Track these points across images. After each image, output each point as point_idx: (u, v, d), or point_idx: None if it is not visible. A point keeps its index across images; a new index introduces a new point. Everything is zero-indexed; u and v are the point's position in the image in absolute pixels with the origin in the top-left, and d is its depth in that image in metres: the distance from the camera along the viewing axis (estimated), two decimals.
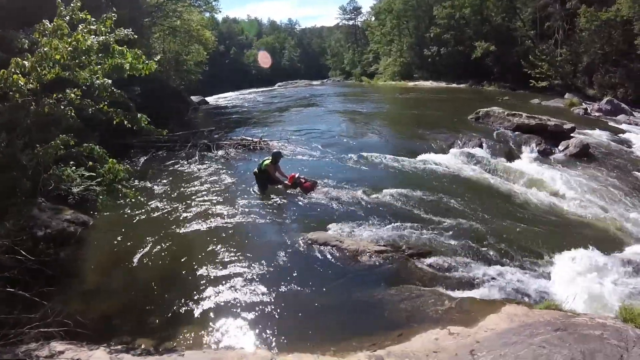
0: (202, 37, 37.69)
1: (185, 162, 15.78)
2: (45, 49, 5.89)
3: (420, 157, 15.41)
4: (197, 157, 16.13)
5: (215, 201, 11.46)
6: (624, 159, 15.95)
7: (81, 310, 6.71)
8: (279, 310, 6.82)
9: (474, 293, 7.22)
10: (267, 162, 12.01)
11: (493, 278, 7.64)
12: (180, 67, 36.17)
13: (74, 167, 8.02)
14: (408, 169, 14.21)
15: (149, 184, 13.06)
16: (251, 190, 12.28)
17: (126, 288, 7.72)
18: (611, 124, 23.24)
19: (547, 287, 7.50)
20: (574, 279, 7.62)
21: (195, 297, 7.15)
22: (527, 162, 15.62)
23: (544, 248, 8.85)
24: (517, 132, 18.56)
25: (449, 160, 15.16)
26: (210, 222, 10.14)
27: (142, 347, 6.04)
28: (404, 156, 15.38)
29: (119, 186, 7.21)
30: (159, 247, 8.93)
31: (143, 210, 10.89)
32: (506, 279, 7.64)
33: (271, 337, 6.20)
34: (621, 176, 13.84)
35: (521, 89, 38.92)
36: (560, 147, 16.86)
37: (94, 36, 6.26)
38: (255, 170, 12.16)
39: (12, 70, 5.74)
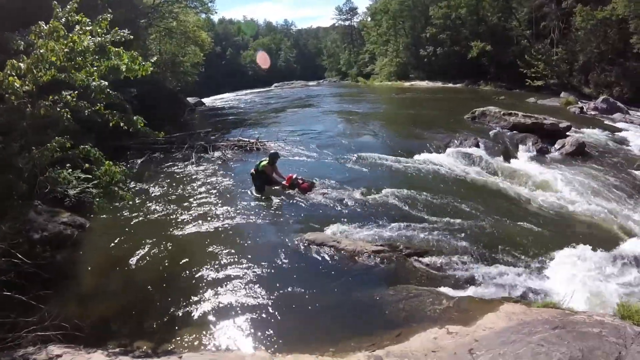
0: (198, 39, 37.66)
1: (182, 164, 15.76)
2: (41, 51, 5.87)
3: (417, 157, 15.43)
4: (193, 159, 16.11)
5: (212, 203, 11.45)
6: (620, 157, 15.97)
7: (78, 313, 6.70)
8: (277, 311, 6.80)
9: (472, 292, 7.22)
10: (264, 163, 12.01)
11: (491, 277, 7.65)
12: (177, 68, 36.08)
13: (70, 170, 8.01)
14: (405, 169, 14.20)
15: (145, 186, 13.04)
16: (248, 191, 12.27)
17: (123, 291, 7.70)
18: (607, 122, 23.27)
19: (544, 286, 7.51)
20: (572, 277, 7.62)
21: (193, 299, 7.13)
22: (523, 161, 15.65)
23: (541, 246, 8.86)
24: (513, 131, 18.64)
25: (446, 160, 15.18)
26: (208, 223, 10.12)
27: (140, 349, 6.02)
28: (401, 156, 15.40)
29: (116, 188, 7.18)
30: (156, 249, 8.90)
31: (140, 213, 10.87)
32: (504, 277, 7.64)
33: (270, 338, 6.18)
34: (617, 174, 13.85)
35: (517, 89, 39.00)
36: (557, 146, 16.88)
37: (90, 37, 6.24)
38: (252, 171, 12.15)
39: (8, 72, 5.71)
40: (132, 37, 7.02)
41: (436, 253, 8.43)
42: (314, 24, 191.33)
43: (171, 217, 10.63)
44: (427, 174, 13.65)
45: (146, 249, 8.87)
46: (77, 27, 6.28)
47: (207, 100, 49.85)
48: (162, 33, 33.38)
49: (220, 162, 15.92)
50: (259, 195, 11.92)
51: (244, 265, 8.11)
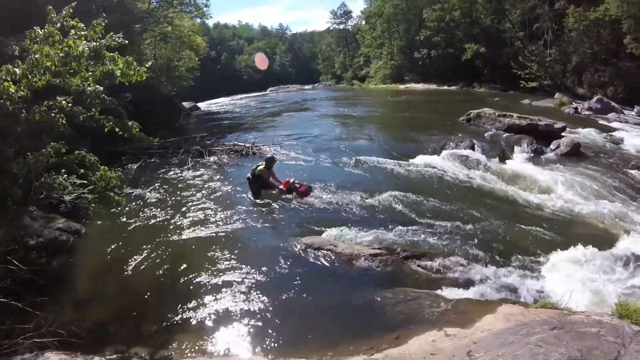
0: (193, 43, 37.60)
1: (178, 169, 15.73)
2: (36, 56, 5.85)
3: (412, 160, 15.43)
4: (189, 164, 16.09)
5: (208, 207, 11.42)
6: (616, 157, 16.02)
7: (75, 319, 6.67)
8: (274, 316, 6.79)
9: (470, 294, 7.21)
10: (261, 167, 12.00)
11: (488, 278, 7.65)
12: (172, 73, 35.97)
13: (66, 175, 7.97)
14: (401, 171, 14.21)
15: (141, 191, 13.02)
16: (245, 195, 12.24)
17: (120, 296, 7.67)
18: (602, 122, 23.34)
19: (542, 286, 7.51)
20: (569, 277, 7.63)
21: (190, 304, 7.11)
22: (519, 162, 15.68)
23: (538, 247, 8.88)
24: (508, 133, 18.65)
25: (442, 162, 15.18)
26: (204, 228, 10.11)
27: (137, 355, 6.00)
28: (397, 159, 15.41)
29: (111, 194, 7.18)
30: (152, 254, 8.88)
31: (136, 218, 10.84)
32: (501, 279, 7.66)
33: (268, 343, 6.17)
34: (613, 174, 13.90)
35: (511, 90, 39.11)
36: (552, 147, 16.93)
37: (85, 42, 6.23)
38: (249, 175, 12.12)
39: (3, 77, 5.70)
40: (127, 42, 7.01)
41: (433, 255, 8.43)
42: (308, 28, 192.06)
43: (167, 222, 10.61)
44: (423, 177, 13.65)
45: (142, 255, 8.84)
46: (73, 31, 6.27)
47: (203, 105, 49.91)
48: (157, 38, 33.30)
49: (216, 167, 15.91)
50: (256, 200, 11.88)
51: (241, 270, 8.10)
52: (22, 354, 5.33)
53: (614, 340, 4.76)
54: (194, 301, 7.19)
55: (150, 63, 19.21)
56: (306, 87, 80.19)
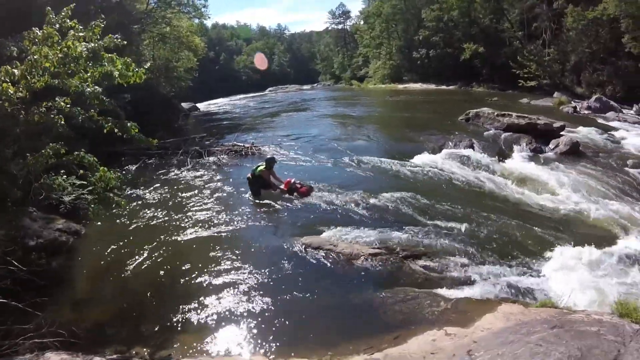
0: (191, 44, 37.64)
1: (177, 169, 15.73)
2: (35, 57, 5.85)
3: (412, 160, 15.44)
4: (188, 164, 16.09)
5: (208, 208, 11.43)
6: (615, 156, 16.00)
7: (75, 320, 6.67)
8: (274, 316, 6.79)
9: (470, 293, 7.20)
10: (261, 167, 12.00)
11: (488, 278, 7.65)
12: (170, 73, 35.99)
13: (65, 176, 7.97)
14: (400, 171, 14.21)
15: (141, 192, 13.02)
16: (244, 196, 12.24)
17: (120, 297, 7.66)
18: (600, 121, 23.31)
19: (542, 285, 7.50)
20: (569, 276, 7.63)
21: (190, 305, 7.10)
22: (518, 162, 15.66)
23: (538, 246, 8.88)
24: (507, 132, 18.63)
25: (441, 162, 15.18)
26: (204, 229, 10.10)
27: (137, 355, 6.00)
28: (396, 159, 15.40)
29: (111, 194, 7.17)
30: (152, 255, 8.87)
31: (136, 219, 10.84)
32: (501, 278, 7.65)
33: (267, 343, 6.16)
34: (612, 173, 13.89)
35: (510, 89, 39.09)
36: (551, 146, 16.93)
37: (84, 43, 6.22)
38: (249, 175, 12.12)
39: (2, 78, 5.70)
40: (125, 42, 7.01)
41: (433, 255, 8.44)
42: (306, 28, 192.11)
43: (167, 222, 10.60)
44: (423, 177, 13.65)
45: (142, 255, 8.84)
46: (71, 32, 6.27)
47: (201, 106, 49.96)
48: (156, 38, 33.32)
49: (215, 167, 15.92)
50: (255, 200, 11.88)
51: (241, 270, 8.10)
52: (22, 354, 5.33)
53: (614, 339, 4.77)
54: (193, 301, 7.19)
55: (149, 64, 19.24)
56: (305, 87, 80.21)
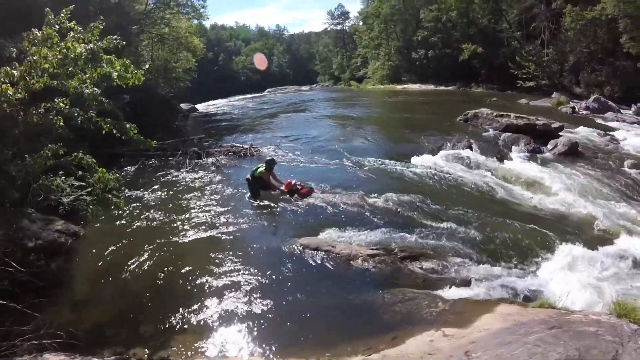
0: (190, 44, 37.63)
1: (176, 171, 15.71)
2: (34, 58, 5.85)
3: (411, 160, 15.44)
4: (187, 165, 16.08)
5: (206, 209, 11.41)
6: (613, 156, 16.02)
7: (73, 321, 6.67)
8: (272, 317, 6.80)
9: (467, 294, 7.21)
10: (261, 169, 11.99)
11: (486, 278, 7.64)
12: (169, 74, 35.98)
13: (64, 177, 7.98)
14: (399, 172, 14.22)
15: (139, 193, 13.01)
16: (243, 196, 12.24)
17: (118, 298, 7.66)
18: (599, 121, 23.36)
19: (540, 286, 7.50)
20: (567, 276, 7.63)
21: (188, 306, 7.10)
22: (516, 162, 15.68)
23: (536, 246, 8.88)
24: (506, 133, 18.64)
25: (440, 162, 15.20)
26: (202, 230, 10.10)
27: (136, 357, 6.00)
28: (395, 159, 15.43)
29: (109, 196, 7.17)
30: (150, 256, 8.86)
31: (134, 220, 10.83)
32: (499, 279, 7.65)
33: (265, 344, 6.17)
34: (610, 173, 13.92)
35: (509, 90, 39.20)
36: (549, 146, 16.94)
37: (83, 44, 6.23)
38: (248, 176, 12.12)
39: (1, 79, 5.70)
40: (124, 43, 7.01)
41: (431, 256, 8.43)
42: (305, 29, 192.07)
43: (165, 224, 10.60)
44: (421, 177, 13.66)
45: (141, 257, 8.83)
46: (71, 33, 6.27)
47: (200, 107, 49.97)
48: (155, 39, 33.31)
49: (214, 168, 15.91)
50: (255, 201, 11.88)
51: (239, 271, 8.10)
52: (20, 355, 5.33)
53: (612, 339, 4.78)
54: (191, 302, 7.19)
55: (147, 65, 19.25)
56: (304, 88, 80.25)
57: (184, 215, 10.99)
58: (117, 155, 16.69)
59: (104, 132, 6.74)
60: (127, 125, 6.83)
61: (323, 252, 8.60)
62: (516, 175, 13.97)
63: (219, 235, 9.82)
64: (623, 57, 30.79)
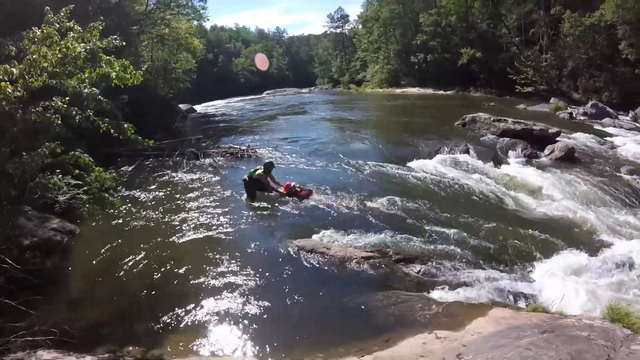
0: (190, 45, 37.70)
1: (173, 171, 15.70)
2: (33, 57, 5.87)
3: (408, 164, 15.48)
4: (184, 166, 16.08)
5: (203, 209, 11.43)
6: (610, 162, 16.09)
7: (68, 319, 6.67)
8: (266, 318, 6.81)
9: (461, 297, 7.23)
10: (259, 171, 11.99)
11: (480, 282, 7.67)
12: (169, 75, 36.04)
13: (61, 176, 7.98)
14: (396, 175, 14.27)
15: (136, 193, 13.00)
16: (240, 198, 12.25)
17: (113, 297, 7.66)
18: (596, 127, 23.42)
19: (534, 290, 7.53)
20: (561, 281, 7.66)
21: (183, 305, 7.11)
22: (513, 167, 15.73)
23: (531, 251, 8.93)
24: (503, 137, 18.70)
25: (436, 167, 15.24)
26: (198, 230, 10.11)
27: (130, 355, 6.00)
28: (393, 163, 15.47)
29: (106, 195, 7.19)
30: (146, 255, 8.87)
31: (130, 219, 10.83)
32: (493, 282, 7.66)
33: (258, 344, 6.18)
34: (607, 178, 13.96)
35: (507, 95, 39.33)
36: (546, 151, 17.02)
37: (82, 44, 6.26)
38: (245, 177, 12.12)
39: (0, 77, 5.72)
40: (124, 43, 7.04)
41: (426, 259, 8.46)
42: (305, 31, 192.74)
43: (162, 224, 10.61)
44: (418, 181, 13.69)
45: (136, 256, 8.84)
46: (71, 33, 6.30)
47: (199, 107, 49.98)
48: (154, 40, 33.35)
49: (211, 169, 15.91)
50: (251, 203, 11.89)
51: (233, 272, 8.11)
52: (14, 352, 5.33)
53: (605, 344, 4.81)
54: (186, 302, 7.20)
55: (147, 65, 19.28)
56: (303, 90, 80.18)
57: (180, 215, 11.00)
58: (114, 154, 16.65)
59: (101, 131, 6.76)
60: (125, 125, 6.85)
61: (318, 254, 8.62)
62: (512, 180, 14.03)
63: (215, 235, 9.84)
64: (622, 63, 30.88)
